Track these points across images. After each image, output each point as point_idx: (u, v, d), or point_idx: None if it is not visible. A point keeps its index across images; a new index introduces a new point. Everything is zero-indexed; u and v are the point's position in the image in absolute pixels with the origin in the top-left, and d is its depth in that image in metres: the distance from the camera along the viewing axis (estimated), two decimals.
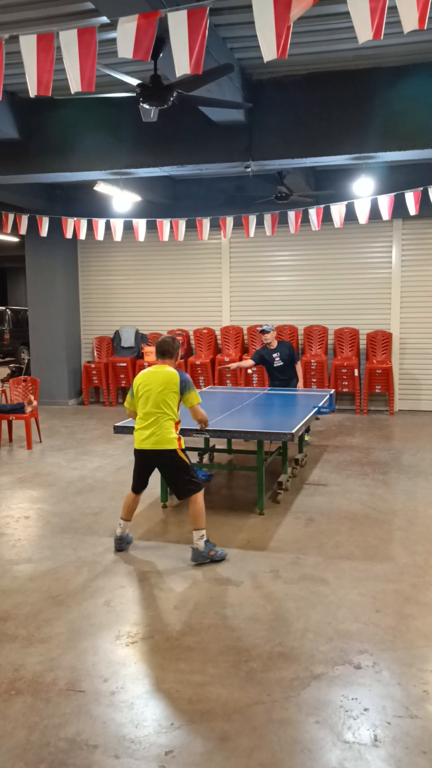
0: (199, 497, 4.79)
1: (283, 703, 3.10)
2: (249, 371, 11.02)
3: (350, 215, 8.70)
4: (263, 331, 8.01)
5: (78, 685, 3.28)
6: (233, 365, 8.10)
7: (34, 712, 3.08)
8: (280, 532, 5.37)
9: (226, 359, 11.13)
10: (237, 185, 10.50)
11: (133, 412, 4.93)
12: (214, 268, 11.80)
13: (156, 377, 4.80)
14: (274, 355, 8.04)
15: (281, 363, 8.05)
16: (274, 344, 8.06)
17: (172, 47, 3.69)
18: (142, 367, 11.58)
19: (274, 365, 8.08)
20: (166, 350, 4.90)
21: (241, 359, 10.66)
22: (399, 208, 8.32)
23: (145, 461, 4.91)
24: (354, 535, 5.29)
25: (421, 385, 11.01)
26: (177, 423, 4.84)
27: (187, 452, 4.92)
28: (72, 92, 3.98)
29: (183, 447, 4.85)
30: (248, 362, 8.31)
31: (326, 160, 7.72)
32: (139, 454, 4.90)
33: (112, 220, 9.44)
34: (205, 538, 4.77)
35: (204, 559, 4.73)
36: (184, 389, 4.80)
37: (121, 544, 5.04)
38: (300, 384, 8.21)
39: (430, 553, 4.90)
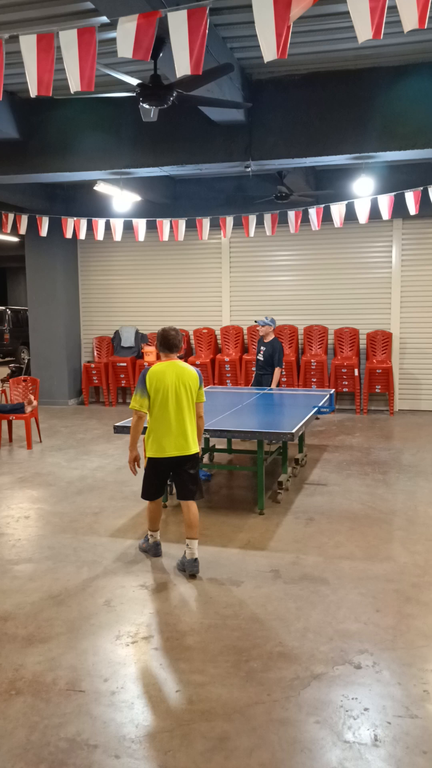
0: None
1: (283, 703, 3.10)
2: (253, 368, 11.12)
3: (350, 215, 8.71)
4: (256, 322, 8.24)
5: (78, 685, 3.28)
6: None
7: (34, 712, 3.08)
8: (280, 532, 5.37)
9: (226, 359, 11.18)
10: (237, 185, 10.50)
11: (145, 413, 4.57)
12: (214, 268, 11.80)
13: (178, 372, 4.56)
14: (262, 348, 8.27)
15: (261, 358, 8.24)
16: (268, 338, 8.27)
17: (172, 47, 3.69)
18: (142, 367, 11.61)
19: (257, 356, 8.29)
20: (174, 344, 4.70)
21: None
22: (399, 208, 8.33)
23: (170, 468, 4.66)
24: (354, 535, 5.29)
25: (421, 385, 11.01)
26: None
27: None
28: (72, 92, 3.98)
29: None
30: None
31: (326, 160, 7.71)
32: (165, 462, 4.61)
33: (112, 220, 9.44)
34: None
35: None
36: (200, 386, 4.67)
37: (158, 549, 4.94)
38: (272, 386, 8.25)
39: (430, 553, 4.90)
